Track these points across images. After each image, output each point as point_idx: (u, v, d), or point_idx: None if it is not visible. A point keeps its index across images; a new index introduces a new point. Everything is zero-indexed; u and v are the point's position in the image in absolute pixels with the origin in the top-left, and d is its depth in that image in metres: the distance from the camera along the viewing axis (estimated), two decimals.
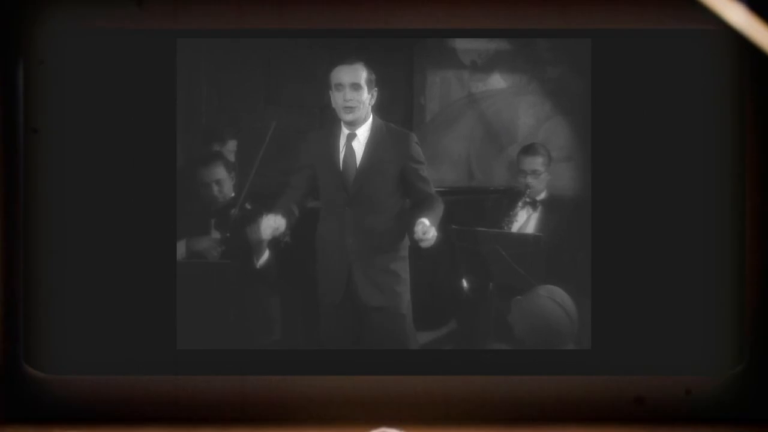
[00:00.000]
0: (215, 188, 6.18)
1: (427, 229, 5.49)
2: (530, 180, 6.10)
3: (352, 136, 5.69)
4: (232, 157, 6.30)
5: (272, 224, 5.69)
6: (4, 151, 6.12)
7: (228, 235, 6.10)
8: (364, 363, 6.03)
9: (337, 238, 5.74)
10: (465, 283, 6.17)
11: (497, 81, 6.31)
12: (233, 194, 6.17)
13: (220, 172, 6.21)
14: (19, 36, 6.09)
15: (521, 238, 6.05)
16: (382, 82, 5.80)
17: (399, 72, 6.27)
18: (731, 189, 6.05)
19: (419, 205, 5.71)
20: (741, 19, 5.36)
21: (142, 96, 6.04)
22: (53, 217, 6.06)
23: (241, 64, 6.17)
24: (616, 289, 6.00)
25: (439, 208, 5.70)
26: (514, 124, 6.27)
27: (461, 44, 6.25)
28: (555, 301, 5.88)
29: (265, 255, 5.97)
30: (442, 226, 5.77)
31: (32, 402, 6.05)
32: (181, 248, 6.10)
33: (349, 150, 5.70)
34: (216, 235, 6.20)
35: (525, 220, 6.11)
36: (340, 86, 5.63)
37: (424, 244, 5.54)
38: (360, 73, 5.66)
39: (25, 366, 6.00)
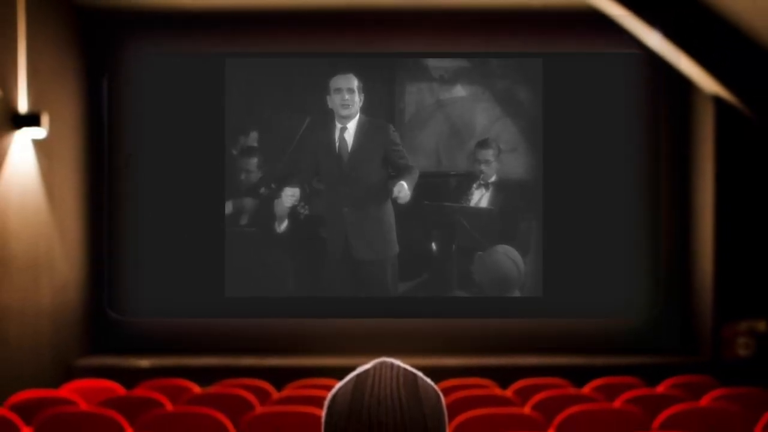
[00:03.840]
0: (244, 175, 6.67)
1: (401, 188, 6.08)
2: (483, 167, 6.65)
3: (344, 129, 6.34)
4: (256, 144, 6.70)
5: (290, 193, 6.37)
6: (93, 143, 6.70)
7: (258, 205, 6.56)
8: (363, 308, 6.61)
9: (336, 209, 6.38)
10: (434, 245, 6.74)
11: (459, 90, 6.93)
12: (261, 176, 6.64)
13: (251, 163, 6.68)
14: (103, 60, 6.69)
15: (477, 210, 6.64)
16: (371, 91, 6.44)
17: (384, 83, 6.84)
18: (650, 174, 6.73)
19: (400, 174, 6.28)
20: (657, 44, 6.01)
21: (197, 102, 6.62)
22: (131, 195, 6.66)
23: (266, 77, 6.74)
24: (562, 250, 6.61)
25: (415, 174, 6.28)
26: (472, 123, 6.88)
27: (433, 63, 6.90)
28: (509, 256, 6.50)
29: (285, 222, 6.56)
30: (419, 203, 6.37)
31: (113, 337, 6.73)
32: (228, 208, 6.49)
33: (342, 140, 6.34)
34: (244, 209, 6.65)
35: (480, 198, 6.67)
36: (339, 90, 6.31)
37: (400, 201, 6.13)
38: (353, 81, 6.35)
39: (108, 310, 6.68)
